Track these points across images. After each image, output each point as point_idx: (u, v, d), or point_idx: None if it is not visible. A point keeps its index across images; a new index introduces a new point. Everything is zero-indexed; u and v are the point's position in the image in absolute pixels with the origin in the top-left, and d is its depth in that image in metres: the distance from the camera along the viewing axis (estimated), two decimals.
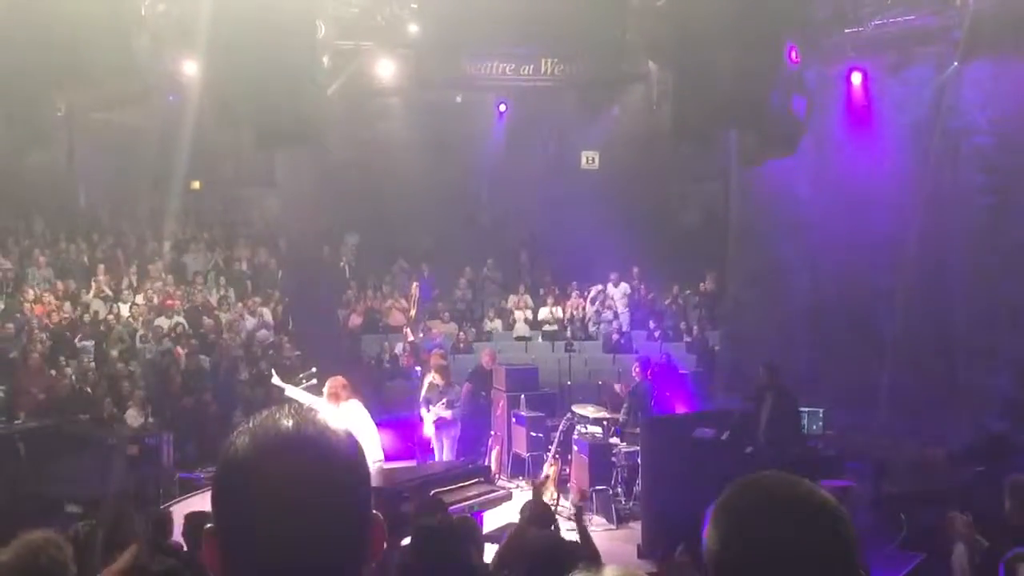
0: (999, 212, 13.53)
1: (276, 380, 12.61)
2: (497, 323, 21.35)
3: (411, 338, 17.91)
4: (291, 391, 12.07)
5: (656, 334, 19.90)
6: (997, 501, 6.60)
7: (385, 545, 1.59)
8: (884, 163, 14.61)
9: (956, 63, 13.65)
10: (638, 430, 12.89)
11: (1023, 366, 13.10)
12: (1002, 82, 13.44)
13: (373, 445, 11.57)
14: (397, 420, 15.30)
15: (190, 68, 14.78)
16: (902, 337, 14.14)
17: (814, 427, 12.75)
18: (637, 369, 14.72)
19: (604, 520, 12.41)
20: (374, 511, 1.56)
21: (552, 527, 6.54)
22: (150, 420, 14.75)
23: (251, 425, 1.53)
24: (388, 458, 13.69)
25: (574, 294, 21.69)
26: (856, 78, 14.77)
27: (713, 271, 20.09)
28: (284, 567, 1.44)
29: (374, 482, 1.65)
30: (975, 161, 13.77)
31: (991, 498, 6.91)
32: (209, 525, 1.52)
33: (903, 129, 14.61)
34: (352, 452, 1.53)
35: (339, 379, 11.87)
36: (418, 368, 17.40)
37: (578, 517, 6.71)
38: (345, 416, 11.22)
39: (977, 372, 13.58)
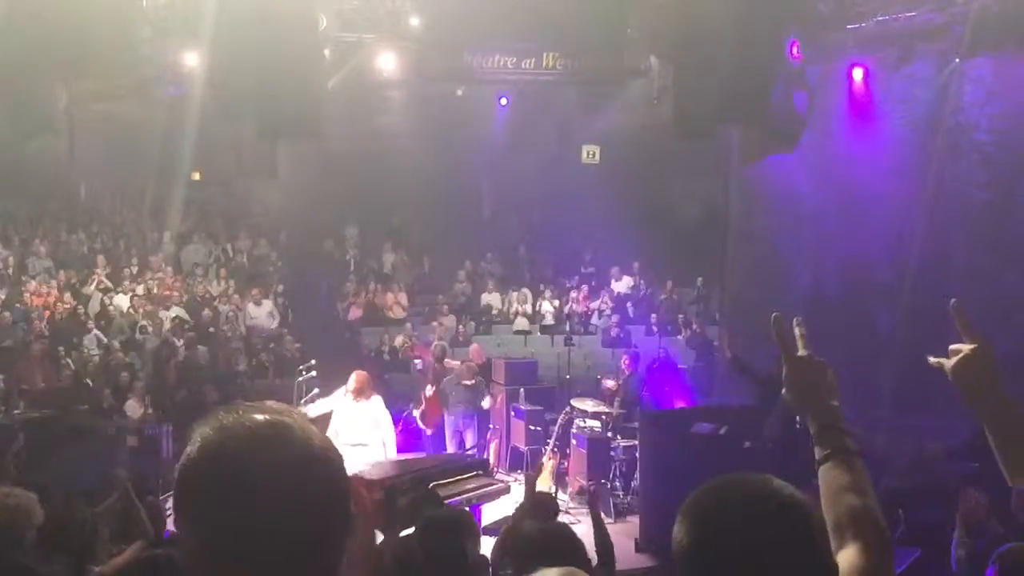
0: (998, 208, 13.53)
1: (317, 406, 12.00)
2: (495, 296, 21.38)
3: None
4: (314, 409, 11.82)
5: (655, 329, 19.92)
6: (994, 497, 6.62)
7: (381, 537, 1.60)
8: (885, 159, 14.61)
9: (957, 60, 13.64)
10: (635, 424, 12.93)
11: (1019, 361, 13.09)
12: (1003, 79, 13.44)
13: (390, 441, 11.59)
14: (397, 413, 15.30)
15: (192, 60, 14.78)
16: (901, 332, 14.15)
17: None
18: (626, 361, 14.77)
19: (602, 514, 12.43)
20: (345, 502, 1.57)
21: (553, 517, 6.54)
22: (149, 411, 14.76)
23: (217, 421, 1.53)
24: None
25: (582, 287, 21.72)
26: (857, 74, 14.76)
27: (712, 268, 20.11)
28: (260, 560, 1.45)
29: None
30: (975, 158, 13.77)
31: (988, 493, 6.93)
32: (178, 537, 1.52)
33: (904, 126, 14.61)
34: (322, 444, 1.55)
35: (364, 374, 11.83)
36: (417, 361, 17.40)
37: (593, 503, 6.70)
38: (370, 411, 11.28)
39: None
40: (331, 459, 1.55)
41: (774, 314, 2.25)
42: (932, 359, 2.31)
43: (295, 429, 1.53)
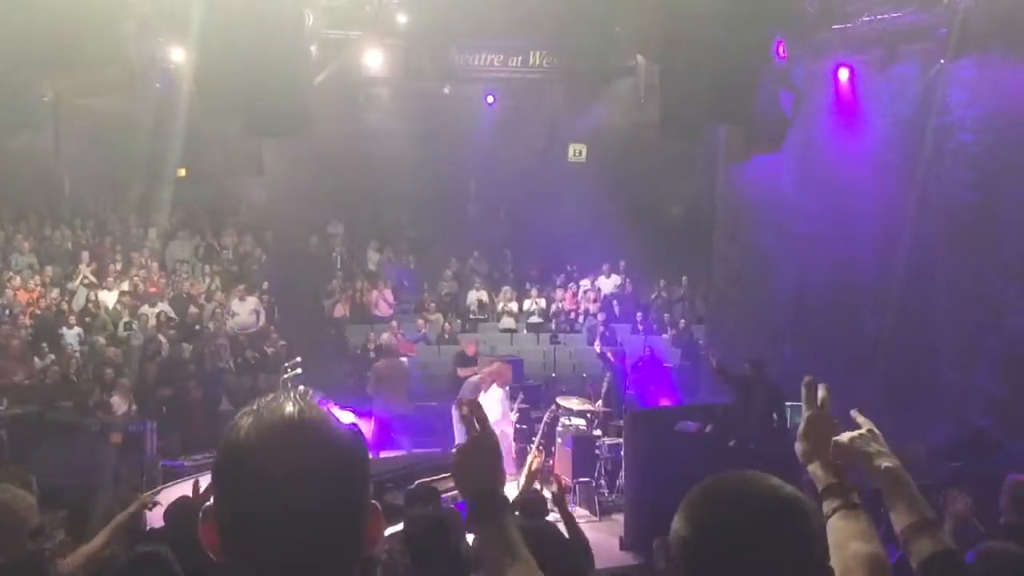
0: (983, 209, 13.58)
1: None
2: (483, 294, 21.41)
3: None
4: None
5: (640, 328, 19.96)
6: (976, 496, 6.66)
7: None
8: (870, 159, 14.65)
9: (942, 61, 13.69)
10: (620, 422, 12.98)
11: (1005, 363, 13.18)
12: (988, 80, 13.48)
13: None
14: (383, 411, 15.30)
15: (178, 56, 14.73)
16: (886, 332, 14.21)
17: (796, 421, 12.80)
18: (610, 353, 14.85)
19: (587, 512, 12.44)
20: (374, 501, 1.58)
21: (542, 516, 6.54)
22: (133, 408, 14.71)
23: (254, 408, 1.55)
24: (373, 448, 13.76)
25: (570, 285, 21.74)
26: (843, 74, 14.80)
27: (698, 267, 20.15)
28: (280, 550, 1.46)
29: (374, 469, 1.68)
30: (960, 158, 13.82)
31: (970, 493, 6.97)
32: (208, 505, 1.53)
33: (889, 126, 14.65)
34: (353, 440, 1.56)
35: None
36: (403, 359, 17.40)
37: (559, 501, 6.67)
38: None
39: (959, 368, 13.66)
40: (354, 459, 1.55)
41: (807, 378, 2.42)
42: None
43: (325, 425, 1.53)
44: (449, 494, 9.75)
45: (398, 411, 14.96)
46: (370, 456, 1.61)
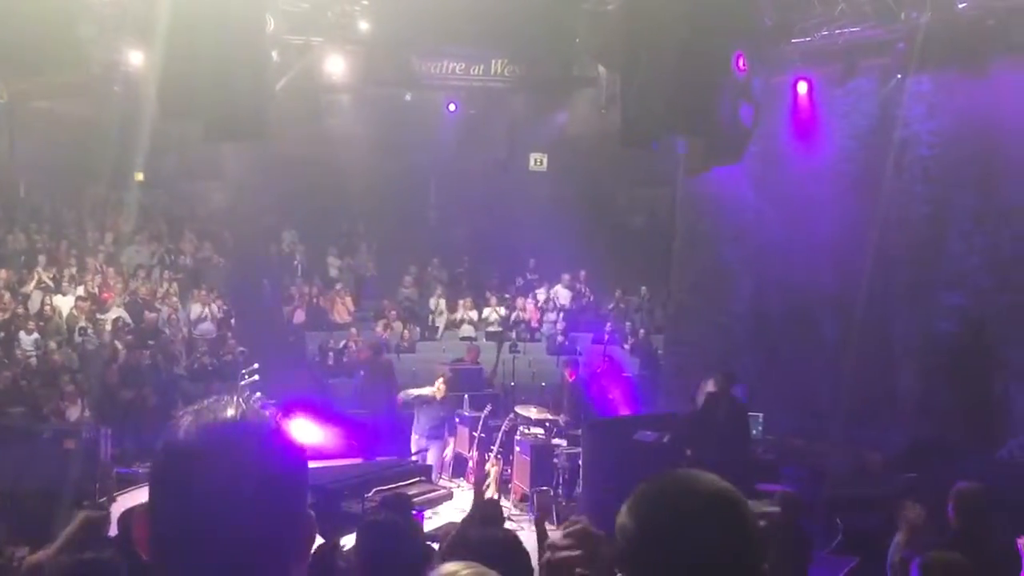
0: (937, 222, 13.77)
1: None
2: (442, 302, 21.40)
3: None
4: None
5: (606, 337, 19.99)
6: (930, 506, 6.74)
7: (321, 542, 1.59)
8: (828, 172, 14.79)
9: (900, 76, 13.86)
10: (579, 431, 13.00)
11: (956, 373, 13.34)
12: (943, 96, 13.67)
13: None
14: (342, 418, 15.24)
15: (137, 59, 14.61)
16: (843, 343, 14.33)
17: (754, 431, 12.91)
18: (568, 372, 14.88)
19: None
20: (309, 511, 1.57)
21: (499, 525, 6.53)
22: (86, 413, 14.54)
23: (194, 410, 1.54)
24: (331, 456, 13.67)
25: (529, 295, 21.74)
26: (802, 88, 14.93)
27: (658, 276, 20.23)
28: (209, 552, 1.45)
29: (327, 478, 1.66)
30: (916, 172, 13.99)
31: (925, 503, 7.05)
32: (144, 504, 1.52)
33: (847, 139, 14.81)
34: (291, 448, 1.55)
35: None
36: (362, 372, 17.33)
37: (540, 520, 6.67)
38: None
39: (914, 378, 13.81)
40: (289, 466, 1.54)
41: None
42: None
43: (264, 432, 1.53)
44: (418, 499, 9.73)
45: (379, 412, 14.95)
46: (308, 465, 1.59)
